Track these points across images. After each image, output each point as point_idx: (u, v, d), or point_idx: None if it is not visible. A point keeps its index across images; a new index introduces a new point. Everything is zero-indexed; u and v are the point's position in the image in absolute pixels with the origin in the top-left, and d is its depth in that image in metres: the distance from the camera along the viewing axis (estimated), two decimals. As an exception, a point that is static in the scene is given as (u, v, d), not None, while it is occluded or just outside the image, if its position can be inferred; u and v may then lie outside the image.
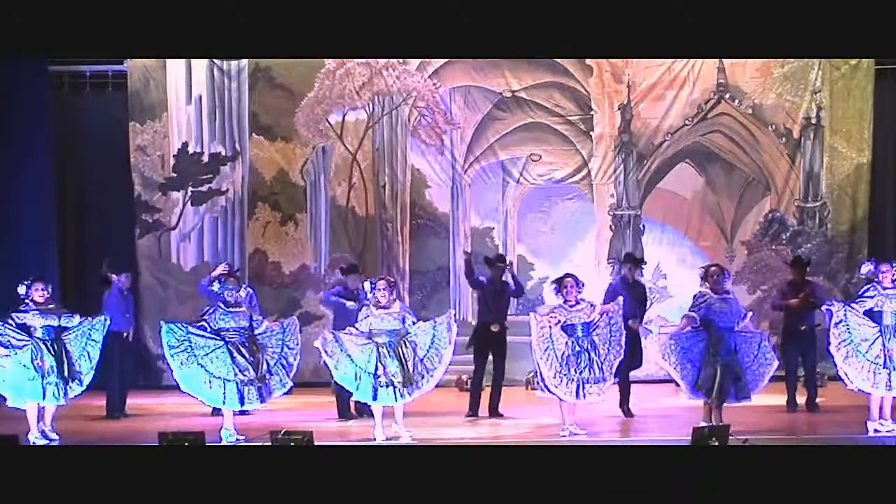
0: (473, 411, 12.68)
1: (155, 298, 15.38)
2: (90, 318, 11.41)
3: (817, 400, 12.92)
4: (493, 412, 12.69)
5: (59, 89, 15.57)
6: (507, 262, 13.09)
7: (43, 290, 11.23)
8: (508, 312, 13.09)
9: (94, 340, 11.28)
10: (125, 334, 13.18)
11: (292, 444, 8.98)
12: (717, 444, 8.79)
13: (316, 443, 9.06)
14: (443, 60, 15.47)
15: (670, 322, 15.06)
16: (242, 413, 12.19)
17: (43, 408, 11.11)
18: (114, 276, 13.18)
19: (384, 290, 10.99)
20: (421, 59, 15.45)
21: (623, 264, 13.12)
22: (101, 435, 11.69)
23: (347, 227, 15.76)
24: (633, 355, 12.43)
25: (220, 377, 10.72)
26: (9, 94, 14.69)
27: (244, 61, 15.54)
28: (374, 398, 10.85)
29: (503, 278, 12.77)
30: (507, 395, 14.51)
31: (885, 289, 10.82)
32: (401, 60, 15.49)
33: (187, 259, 15.68)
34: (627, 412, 12.49)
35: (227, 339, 10.81)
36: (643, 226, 15.68)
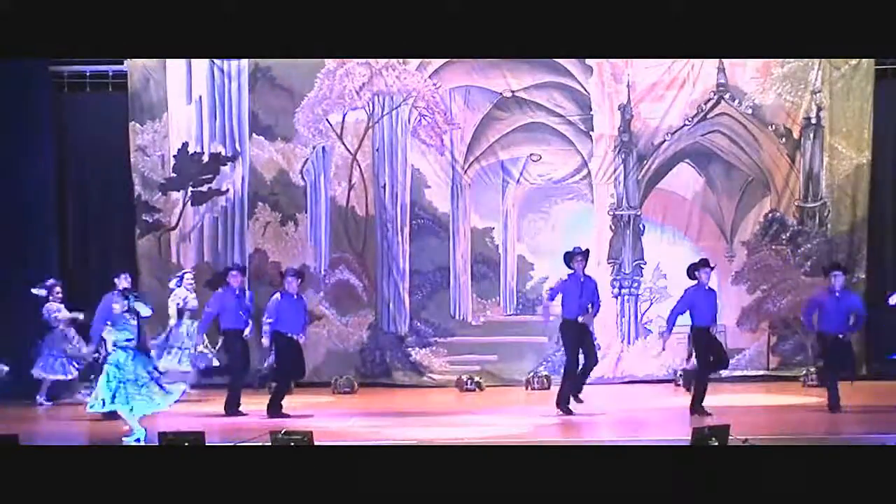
0: (564, 407, 12.49)
1: (155, 298, 15.34)
2: None
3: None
4: (571, 401, 12.53)
5: (59, 89, 15.57)
6: (586, 251, 12.93)
7: None
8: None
9: None
10: None
11: (292, 444, 8.98)
12: (717, 444, 8.79)
13: (316, 443, 9.06)
14: (443, 60, 15.47)
15: (669, 322, 15.10)
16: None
17: None
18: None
19: None
20: (421, 59, 15.45)
21: (700, 269, 12.59)
22: (101, 435, 11.68)
23: (347, 227, 15.75)
24: (721, 357, 12.68)
25: None
26: (9, 94, 14.69)
27: (244, 61, 15.54)
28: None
29: (586, 270, 12.75)
30: (508, 395, 14.55)
31: None
32: (401, 60, 15.48)
33: (187, 259, 15.66)
34: (703, 411, 12.31)
35: None
36: (643, 226, 15.67)
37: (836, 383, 12.43)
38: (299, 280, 13.04)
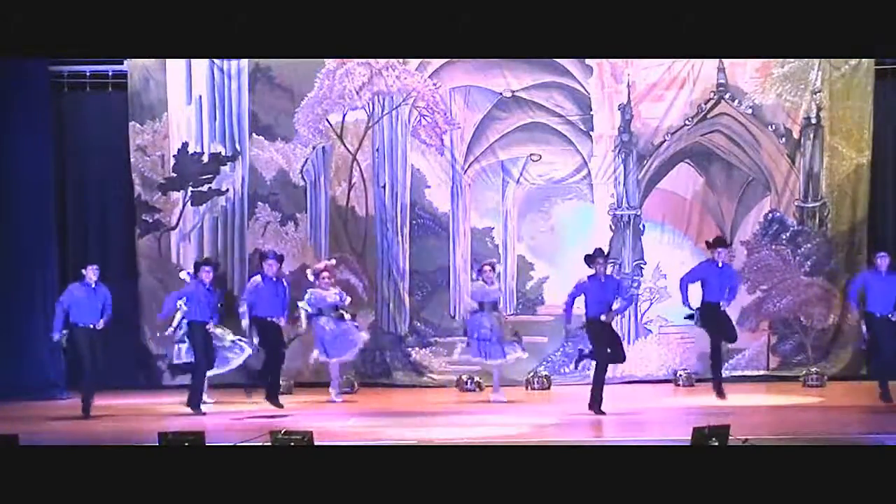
0: (596, 408, 12.43)
1: (155, 299, 15.35)
2: None
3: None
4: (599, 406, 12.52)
5: (59, 89, 15.57)
6: (606, 254, 13.05)
7: None
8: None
9: None
10: (92, 326, 12.95)
11: (292, 444, 8.98)
12: (717, 444, 8.79)
13: (316, 443, 9.06)
14: (443, 60, 15.47)
15: (670, 322, 15.18)
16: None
17: None
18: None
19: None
20: (421, 59, 15.45)
21: (713, 248, 12.79)
22: (101, 435, 11.68)
23: (347, 227, 15.75)
24: (729, 332, 13.07)
25: None
26: (9, 94, 14.69)
27: (244, 61, 15.54)
28: None
29: (607, 272, 12.80)
30: (508, 395, 14.54)
31: None
32: (401, 60, 15.49)
33: (187, 259, 15.63)
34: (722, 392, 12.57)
35: None
36: (643, 226, 15.67)
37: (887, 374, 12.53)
38: (279, 263, 13.13)
